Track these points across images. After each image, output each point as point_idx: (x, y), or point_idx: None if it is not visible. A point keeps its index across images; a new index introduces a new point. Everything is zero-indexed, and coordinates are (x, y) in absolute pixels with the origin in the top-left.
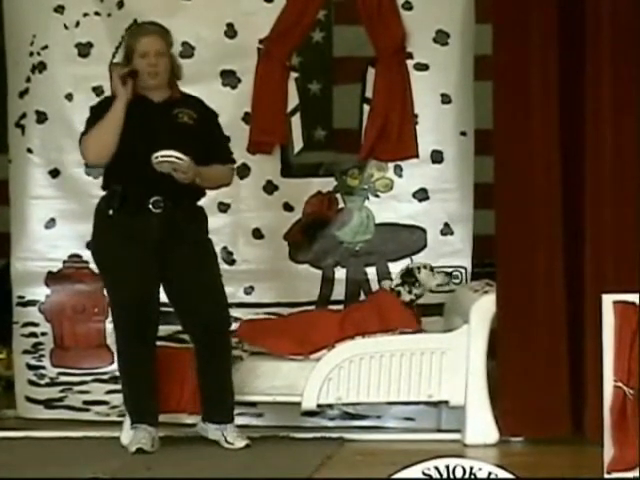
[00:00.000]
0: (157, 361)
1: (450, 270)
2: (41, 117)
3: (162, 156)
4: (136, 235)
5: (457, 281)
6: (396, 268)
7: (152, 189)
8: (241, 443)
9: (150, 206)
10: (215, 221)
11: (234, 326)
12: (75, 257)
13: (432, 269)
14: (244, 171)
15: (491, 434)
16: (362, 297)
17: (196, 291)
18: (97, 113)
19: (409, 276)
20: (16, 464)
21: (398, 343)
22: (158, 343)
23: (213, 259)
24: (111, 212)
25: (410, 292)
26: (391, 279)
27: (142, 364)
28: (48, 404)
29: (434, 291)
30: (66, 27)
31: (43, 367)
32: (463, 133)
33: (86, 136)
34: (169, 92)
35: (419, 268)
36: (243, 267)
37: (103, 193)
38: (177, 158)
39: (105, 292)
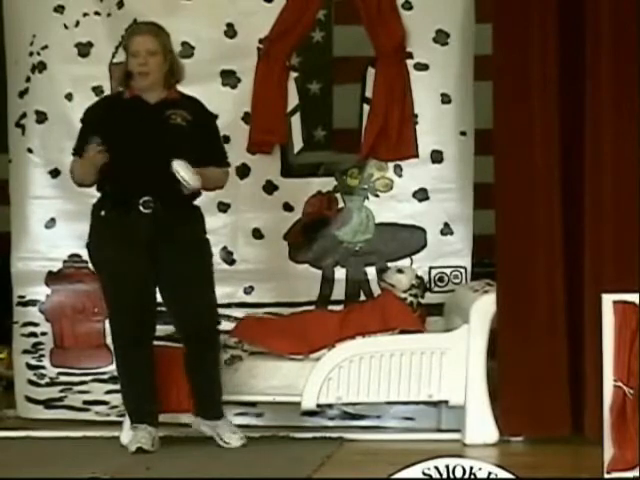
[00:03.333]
0: (155, 361)
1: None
2: (41, 117)
3: (175, 170)
4: (127, 235)
5: (457, 281)
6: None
7: (143, 189)
8: (238, 442)
9: (140, 207)
10: (215, 221)
11: (232, 325)
12: (75, 257)
13: (401, 271)
14: (244, 171)
15: (491, 434)
16: (362, 297)
17: (184, 291)
18: (87, 127)
19: (383, 274)
20: (16, 464)
21: (398, 343)
22: (157, 343)
23: (205, 259)
24: (103, 212)
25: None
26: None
27: (140, 365)
28: (48, 404)
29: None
30: (66, 27)
31: (43, 367)
32: (463, 133)
33: (72, 161)
34: (165, 93)
35: (398, 270)
36: (243, 267)
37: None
38: (183, 179)
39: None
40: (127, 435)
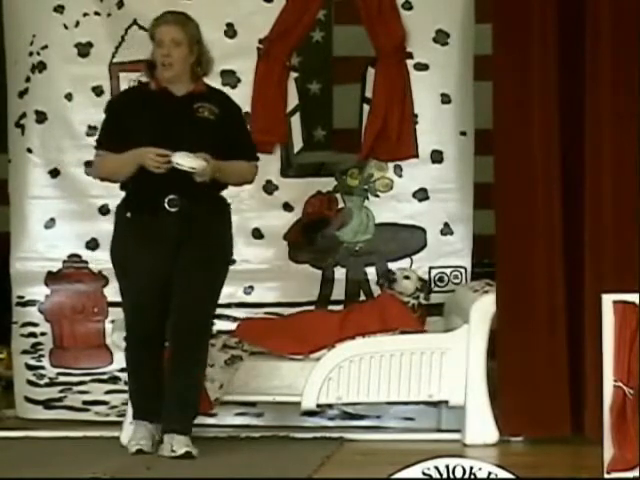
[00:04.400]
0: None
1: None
2: (41, 117)
3: (177, 163)
4: (154, 236)
5: (457, 281)
6: (396, 268)
7: (168, 187)
8: (182, 449)
9: (166, 205)
10: None
11: (233, 326)
12: (75, 257)
13: (407, 277)
14: None
15: (491, 434)
16: (362, 297)
17: (185, 290)
18: (112, 118)
19: (388, 276)
20: (16, 464)
21: (398, 343)
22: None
23: (221, 261)
24: (129, 214)
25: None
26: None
27: (148, 364)
28: (47, 404)
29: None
30: (66, 27)
31: (42, 367)
32: (463, 133)
33: (100, 159)
34: (192, 85)
35: (405, 276)
36: (243, 267)
37: (99, 191)
38: (191, 168)
39: (119, 293)
40: (127, 432)
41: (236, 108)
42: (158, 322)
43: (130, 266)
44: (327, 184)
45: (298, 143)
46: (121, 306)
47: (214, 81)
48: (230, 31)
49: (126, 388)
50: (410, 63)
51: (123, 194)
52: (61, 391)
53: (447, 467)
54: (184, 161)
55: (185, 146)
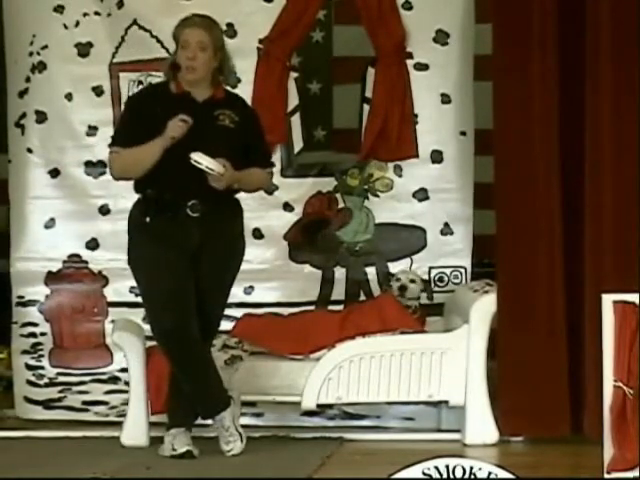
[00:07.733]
0: (150, 361)
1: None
2: (41, 117)
3: (195, 160)
4: (176, 241)
5: (457, 281)
6: (396, 268)
7: (189, 192)
8: (183, 448)
9: (188, 210)
10: None
11: (230, 326)
12: (75, 257)
13: (413, 281)
14: None
15: (491, 434)
16: (362, 297)
17: (207, 292)
18: (132, 115)
19: (389, 279)
20: (16, 464)
21: (398, 343)
22: (150, 343)
23: (236, 265)
24: (148, 220)
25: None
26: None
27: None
28: (47, 405)
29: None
30: (66, 27)
31: (42, 367)
32: (463, 133)
33: (116, 154)
34: (212, 91)
35: (410, 280)
36: (243, 267)
37: (99, 191)
38: (208, 168)
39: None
40: (128, 433)
41: (254, 115)
42: (187, 315)
43: (152, 267)
44: (327, 184)
45: (298, 143)
46: (144, 307)
47: None
48: (230, 31)
49: (126, 388)
50: (410, 63)
51: (124, 196)
52: (61, 391)
53: (447, 467)
54: (203, 159)
55: (204, 153)
